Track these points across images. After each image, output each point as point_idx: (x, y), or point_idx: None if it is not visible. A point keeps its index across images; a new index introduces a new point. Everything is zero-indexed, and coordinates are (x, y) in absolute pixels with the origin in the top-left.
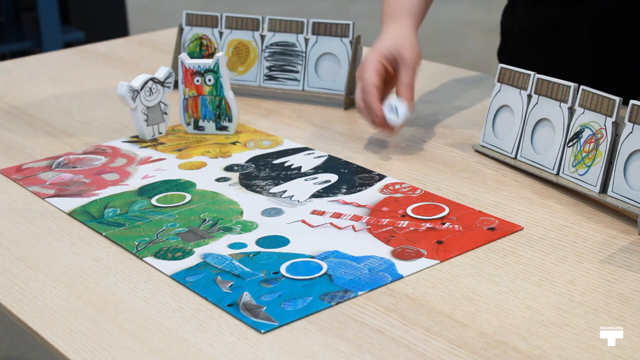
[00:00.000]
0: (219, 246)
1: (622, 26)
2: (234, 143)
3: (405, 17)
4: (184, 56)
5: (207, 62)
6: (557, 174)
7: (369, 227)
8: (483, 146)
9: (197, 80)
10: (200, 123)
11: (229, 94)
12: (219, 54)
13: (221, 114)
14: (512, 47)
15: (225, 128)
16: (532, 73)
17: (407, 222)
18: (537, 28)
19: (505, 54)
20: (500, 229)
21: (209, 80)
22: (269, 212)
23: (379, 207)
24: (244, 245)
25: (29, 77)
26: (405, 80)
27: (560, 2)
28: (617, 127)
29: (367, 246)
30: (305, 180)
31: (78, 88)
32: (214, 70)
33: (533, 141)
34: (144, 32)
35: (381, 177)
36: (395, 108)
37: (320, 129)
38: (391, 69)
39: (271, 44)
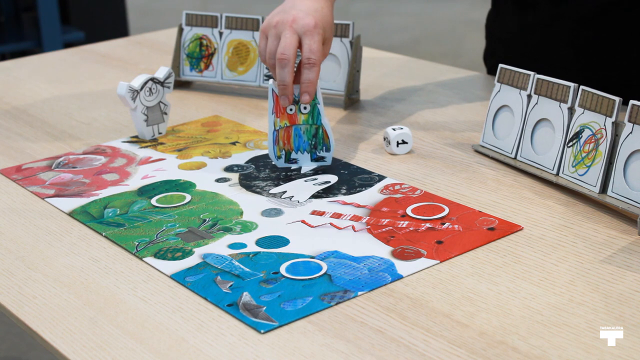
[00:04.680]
0: (219, 246)
1: (604, 28)
2: (234, 143)
3: None
4: (274, 84)
5: None
6: (557, 174)
7: (368, 227)
8: (483, 146)
9: (291, 109)
10: (293, 155)
11: (325, 121)
12: None
13: (317, 144)
14: (498, 51)
15: (322, 159)
16: (532, 73)
17: (407, 222)
18: (521, 31)
19: (491, 58)
20: (500, 229)
21: (305, 108)
22: (269, 213)
23: (379, 208)
24: (243, 246)
25: (29, 77)
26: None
27: (542, 4)
28: (617, 127)
29: (366, 246)
30: (305, 181)
31: (78, 88)
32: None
33: (533, 141)
34: (144, 32)
35: (381, 177)
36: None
37: None
38: None
39: None
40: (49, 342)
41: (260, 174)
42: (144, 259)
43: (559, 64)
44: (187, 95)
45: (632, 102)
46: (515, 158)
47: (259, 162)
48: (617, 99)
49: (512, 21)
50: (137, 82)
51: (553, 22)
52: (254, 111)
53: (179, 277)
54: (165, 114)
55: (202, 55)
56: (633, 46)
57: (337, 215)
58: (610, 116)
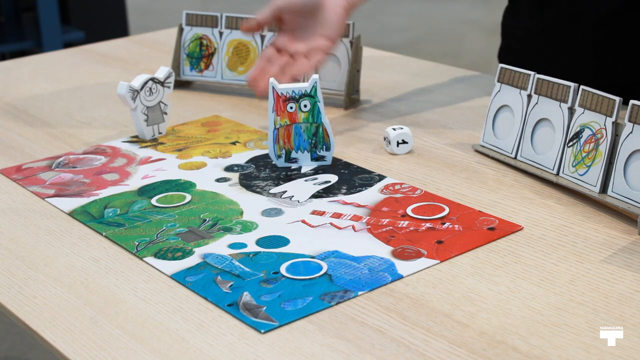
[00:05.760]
0: (219, 246)
1: (624, 27)
2: (234, 143)
3: None
4: (274, 82)
5: (302, 86)
6: (557, 174)
7: (369, 227)
8: (483, 146)
9: (291, 107)
10: (293, 154)
11: (325, 120)
12: (315, 76)
13: (317, 143)
14: (514, 48)
15: (322, 158)
16: (532, 73)
17: (407, 222)
18: (539, 30)
19: (507, 56)
20: (500, 229)
21: (305, 106)
22: (269, 213)
23: (379, 207)
24: (244, 245)
25: (29, 77)
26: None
27: (562, 3)
28: (617, 127)
29: (367, 246)
30: (305, 180)
31: (78, 88)
32: (311, 95)
33: (533, 141)
34: (144, 32)
35: (381, 177)
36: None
37: None
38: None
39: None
40: (49, 342)
41: (260, 174)
42: (144, 258)
43: (577, 62)
44: (187, 95)
45: (632, 102)
46: (515, 158)
47: (259, 161)
48: (617, 99)
49: (529, 18)
50: (137, 82)
51: (571, 20)
52: (254, 111)
53: (179, 277)
54: (165, 113)
55: (202, 55)
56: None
57: (337, 215)
58: (611, 116)
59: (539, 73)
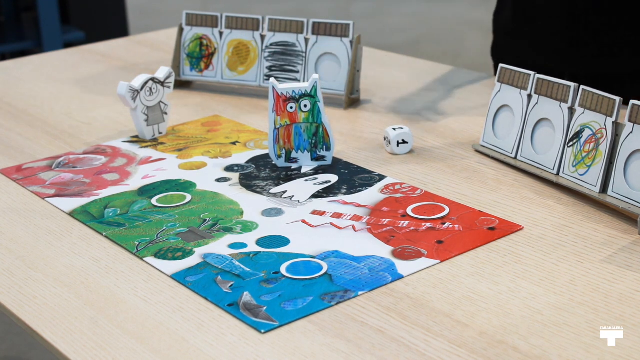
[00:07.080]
0: (219, 246)
1: (595, 15)
2: (234, 143)
3: None
4: (274, 82)
5: (302, 86)
6: (557, 174)
7: (369, 227)
8: (483, 146)
9: (291, 107)
10: (293, 154)
11: (325, 120)
12: (315, 76)
13: (318, 143)
14: (501, 42)
15: (322, 158)
16: (532, 73)
17: (407, 222)
18: (520, 20)
19: (497, 51)
20: (500, 229)
21: (305, 106)
22: (269, 212)
23: (379, 207)
24: (244, 245)
25: (29, 77)
26: None
27: None
28: (617, 127)
29: (367, 246)
30: (306, 180)
31: (78, 88)
32: (311, 95)
33: (533, 141)
34: (144, 32)
35: (381, 177)
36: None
37: None
38: None
39: (271, 44)
40: (50, 341)
41: (260, 174)
42: (144, 258)
43: (551, 50)
44: (187, 95)
45: (632, 101)
46: (515, 158)
47: (259, 161)
48: (618, 99)
49: (512, 11)
50: (137, 82)
51: (547, 4)
52: (254, 111)
53: (179, 277)
54: (166, 113)
55: (202, 55)
56: (625, 34)
57: (338, 215)
58: (611, 116)
59: (527, 66)
